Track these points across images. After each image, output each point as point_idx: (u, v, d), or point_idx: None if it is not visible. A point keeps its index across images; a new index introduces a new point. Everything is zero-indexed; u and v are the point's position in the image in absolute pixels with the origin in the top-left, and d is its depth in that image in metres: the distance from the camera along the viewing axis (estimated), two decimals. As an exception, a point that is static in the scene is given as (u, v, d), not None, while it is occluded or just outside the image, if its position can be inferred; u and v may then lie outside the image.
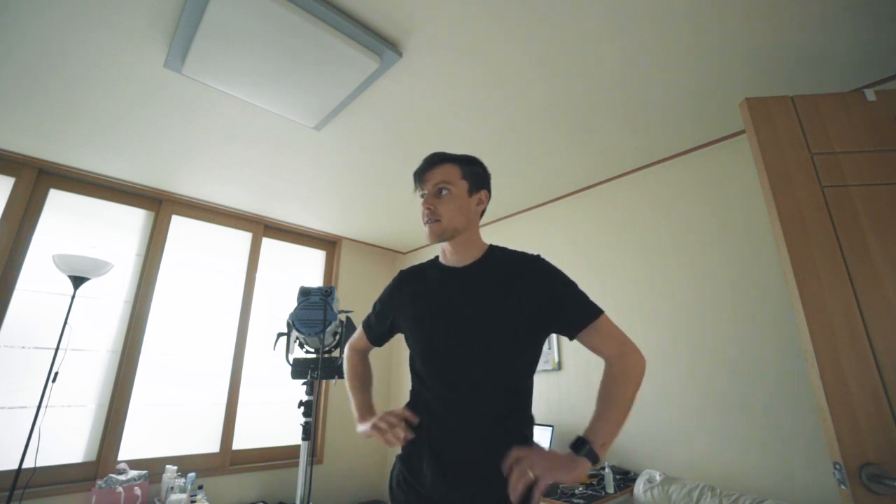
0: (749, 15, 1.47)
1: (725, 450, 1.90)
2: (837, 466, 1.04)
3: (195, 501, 2.39)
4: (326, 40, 1.53)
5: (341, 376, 2.40)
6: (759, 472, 1.79)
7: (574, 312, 0.99)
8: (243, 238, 3.27)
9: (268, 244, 3.39)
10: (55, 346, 2.17)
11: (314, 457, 2.97)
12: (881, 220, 1.20)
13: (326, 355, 2.32)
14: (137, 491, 2.27)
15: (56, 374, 2.16)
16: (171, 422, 2.70)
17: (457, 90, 1.87)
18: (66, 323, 2.20)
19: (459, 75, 1.78)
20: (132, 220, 2.81)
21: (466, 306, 1.02)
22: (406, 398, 1.09)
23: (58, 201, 2.57)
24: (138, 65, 1.75)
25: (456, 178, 1.06)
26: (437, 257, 1.15)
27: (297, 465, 3.02)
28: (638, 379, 0.97)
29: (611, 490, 1.89)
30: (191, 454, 2.69)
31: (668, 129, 2.12)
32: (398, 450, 1.05)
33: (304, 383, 2.27)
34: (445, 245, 1.10)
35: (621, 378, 0.96)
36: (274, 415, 3.14)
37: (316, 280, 3.66)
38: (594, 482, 2.00)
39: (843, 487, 1.02)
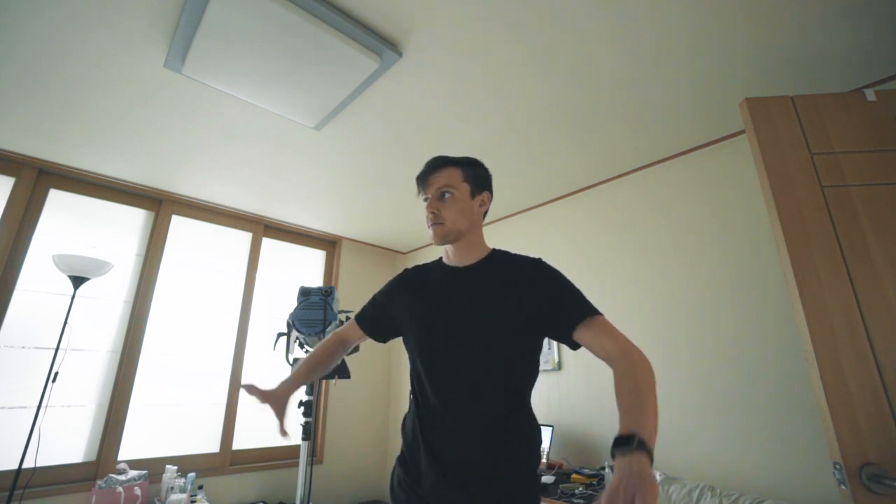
0: (749, 15, 1.47)
1: (725, 450, 1.90)
2: (837, 466, 1.04)
3: (195, 501, 2.39)
4: (326, 40, 1.53)
5: (341, 376, 2.40)
6: (759, 472, 1.79)
7: (573, 311, 0.97)
8: (243, 238, 3.27)
9: (268, 244, 3.39)
10: (55, 346, 2.17)
11: (314, 457, 2.98)
12: (881, 220, 1.20)
13: (326, 355, 2.32)
14: (137, 491, 2.27)
15: (56, 374, 2.16)
16: (171, 422, 2.70)
17: (457, 90, 1.87)
18: (66, 323, 2.20)
19: (459, 75, 1.78)
20: (132, 220, 2.81)
21: (467, 306, 1.02)
22: (406, 398, 1.09)
23: (58, 201, 2.57)
24: (138, 65, 1.75)
25: (458, 181, 1.07)
26: (440, 258, 1.16)
27: (297, 465, 3.02)
28: (648, 371, 0.87)
29: (611, 490, 1.89)
30: (191, 454, 2.69)
31: (668, 129, 2.12)
32: (398, 450, 1.06)
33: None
34: (449, 246, 1.10)
35: (630, 371, 0.87)
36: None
37: (316, 280, 3.66)
38: (594, 482, 2.00)
39: (843, 487, 1.02)
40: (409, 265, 1.24)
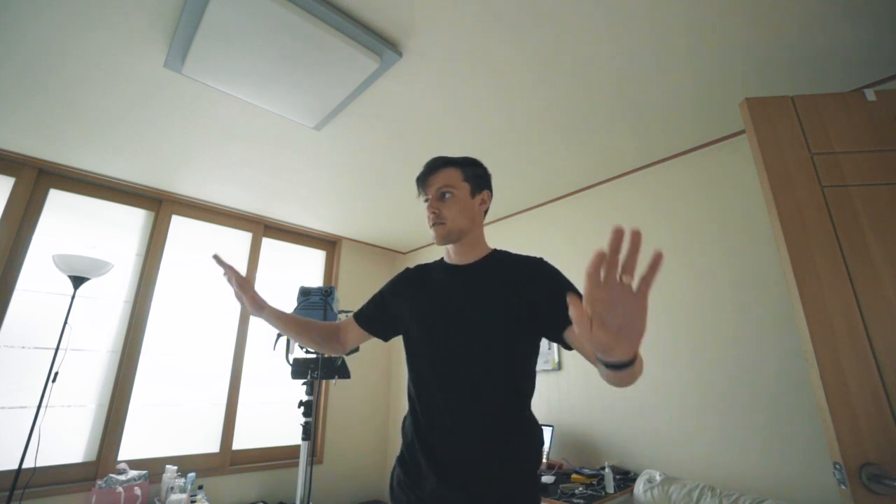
0: (749, 15, 1.47)
1: (725, 450, 1.90)
2: (837, 466, 1.04)
3: (195, 501, 2.39)
4: (326, 40, 1.53)
5: (342, 376, 2.40)
6: (759, 472, 1.79)
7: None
8: (243, 238, 3.27)
9: (268, 244, 3.39)
10: (55, 346, 2.17)
11: (314, 457, 2.98)
12: (881, 220, 1.20)
13: (326, 355, 2.32)
14: (137, 491, 2.27)
15: (56, 374, 2.16)
16: (171, 422, 2.70)
17: (457, 90, 1.87)
18: (66, 323, 2.20)
19: (459, 75, 1.78)
20: (132, 220, 2.81)
21: (467, 306, 1.02)
22: (406, 397, 1.09)
23: (58, 201, 2.57)
24: (138, 65, 1.75)
25: (458, 181, 1.08)
26: (442, 258, 1.17)
27: (297, 465, 3.02)
28: (640, 373, 0.82)
29: (611, 490, 1.89)
30: (191, 454, 2.69)
31: (668, 129, 2.12)
32: (398, 450, 1.05)
33: (304, 383, 2.27)
34: (450, 245, 1.11)
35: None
36: (274, 415, 3.14)
37: (316, 280, 3.66)
38: (594, 482, 2.00)
39: (843, 487, 1.02)
40: (409, 265, 1.24)
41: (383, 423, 3.72)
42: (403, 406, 1.12)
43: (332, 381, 3.36)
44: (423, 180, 1.10)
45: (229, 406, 2.91)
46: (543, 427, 2.41)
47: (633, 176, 2.54)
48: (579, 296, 0.96)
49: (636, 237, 0.56)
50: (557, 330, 0.94)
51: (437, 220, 1.06)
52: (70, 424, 2.39)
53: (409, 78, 1.79)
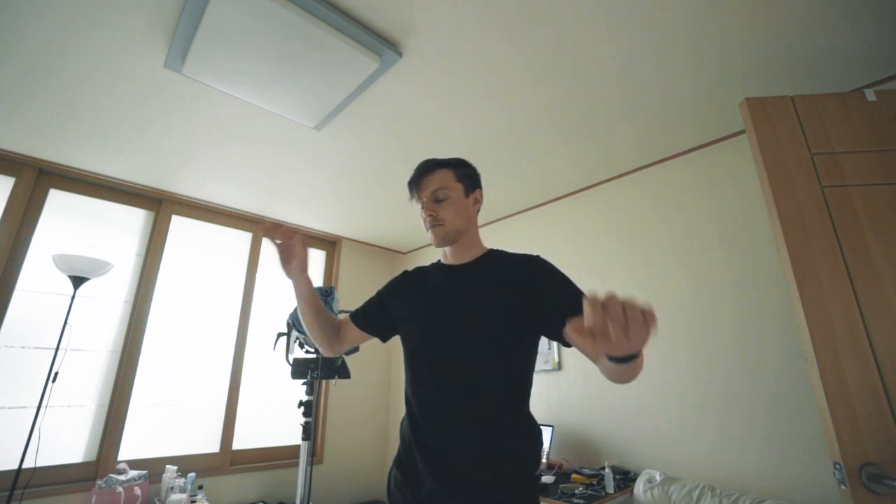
0: (749, 15, 1.47)
1: (725, 450, 1.90)
2: (837, 466, 1.04)
3: (195, 501, 2.39)
4: (326, 40, 1.53)
5: (342, 376, 2.40)
6: (759, 472, 1.79)
7: (568, 306, 0.92)
8: (243, 238, 3.27)
9: (268, 244, 3.39)
10: (55, 346, 2.17)
11: (314, 457, 2.98)
12: (881, 220, 1.20)
13: (326, 356, 2.32)
14: (137, 491, 2.27)
15: (56, 374, 2.16)
16: (171, 422, 2.70)
17: (457, 90, 1.87)
18: (66, 323, 2.20)
19: (459, 75, 1.78)
20: (132, 220, 2.81)
21: (463, 306, 1.02)
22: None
23: (58, 201, 2.57)
24: (138, 65, 1.75)
25: (451, 181, 1.08)
26: (439, 260, 1.17)
27: (297, 465, 3.02)
28: (640, 370, 0.82)
29: (611, 490, 1.89)
30: (191, 454, 2.69)
31: (668, 129, 2.12)
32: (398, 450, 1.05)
33: (304, 383, 2.27)
34: (447, 247, 1.11)
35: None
36: (274, 415, 3.14)
37: (316, 280, 3.66)
38: (594, 482, 2.00)
39: (843, 487, 1.02)
40: (410, 265, 1.24)
41: (383, 423, 3.72)
42: (403, 407, 1.11)
43: (332, 381, 3.36)
44: (417, 183, 1.10)
45: (229, 406, 2.91)
46: (543, 427, 2.41)
47: (633, 176, 2.54)
48: (580, 294, 0.97)
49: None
50: (556, 327, 0.94)
51: (435, 222, 1.06)
52: (70, 424, 2.38)
53: (409, 78, 1.79)
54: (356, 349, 2.20)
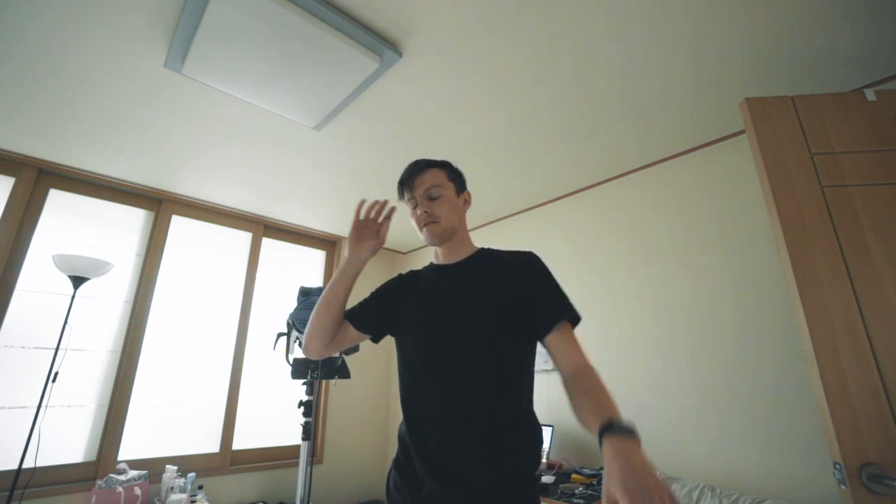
0: (749, 15, 1.47)
1: (725, 450, 1.90)
2: (837, 466, 1.04)
3: (195, 501, 2.39)
4: (326, 40, 1.53)
5: (342, 376, 2.40)
6: (759, 472, 1.79)
7: (552, 311, 0.97)
8: (243, 238, 3.27)
9: (268, 244, 3.39)
10: (55, 346, 2.17)
11: (314, 457, 2.98)
12: (881, 220, 1.20)
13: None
14: (137, 491, 2.27)
15: (56, 374, 2.16)
16: (171, 422, 2.70)
17: (457, 90, 1.87)
18: (66, 323, 2.20)
19: (459, 75, 1.78)
20: (132, 220, 2.81)
21: (454, 306, 1.03)
22: None
23: (58, 201, 2.57)
24: (138, 65, 1.75)
25: (444, 180, 1.11)
26: (431, 262, 1.18)
27: (297, 465, 3.02)
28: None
29: (611, 490, 1.89)
30: (191, 454, 2.69)
31: (668, 129, 2.12)
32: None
33: (304, 383, 2.27)
34: (438, 247, 1.12)
35: (600, 386, 0.87)
36: (274, 415, 3.14)
37: (316, 280, 3.66)
38: (594, 482, 2.00)
39: (843, 487, 1.02)
40: (410, 265, 1.25)
41: (383, 423, 3.72)
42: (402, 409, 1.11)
43: (332, 381, 3.36)
44: (410, 181, 1.11)
45: (229, 406, 2.91)
46: (543, 427, 2.41)
47: (633, 176, 2.54)
48: (561, 291, 0.98)
49: None
50: (538, 330, 0.97)
51: (431, 219, 1.06)
52: (70, 424, 2.39)
53: (409, 78, 1.79)
54: (356, 349, 2.20)
